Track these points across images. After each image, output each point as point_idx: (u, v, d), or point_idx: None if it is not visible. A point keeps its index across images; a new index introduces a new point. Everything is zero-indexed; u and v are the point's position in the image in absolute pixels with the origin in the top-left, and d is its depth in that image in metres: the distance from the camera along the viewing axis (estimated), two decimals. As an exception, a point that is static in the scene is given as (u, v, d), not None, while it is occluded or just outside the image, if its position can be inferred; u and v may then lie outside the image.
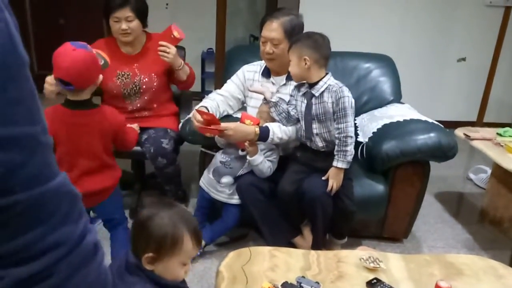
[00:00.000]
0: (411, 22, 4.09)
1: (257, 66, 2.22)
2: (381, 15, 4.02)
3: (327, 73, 1.88)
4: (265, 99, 1.96)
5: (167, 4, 4.51)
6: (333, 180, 1.86)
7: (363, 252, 1.47)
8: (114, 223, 1.85)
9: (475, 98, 4.38)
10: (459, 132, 2.64)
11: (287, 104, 1.96)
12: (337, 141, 1.85)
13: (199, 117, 1.91)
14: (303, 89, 1.90)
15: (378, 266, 1.37)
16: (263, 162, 1.95)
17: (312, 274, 1.34)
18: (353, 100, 1.85)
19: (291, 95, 1.97)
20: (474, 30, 4.17)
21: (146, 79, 2.28)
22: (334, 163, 1.86)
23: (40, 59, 4.52)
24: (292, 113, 1.94)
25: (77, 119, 1.65)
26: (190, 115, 2.20)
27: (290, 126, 1.98)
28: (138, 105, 2.31)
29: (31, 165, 0.42)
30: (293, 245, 2.09)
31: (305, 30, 3.60)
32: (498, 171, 2.54)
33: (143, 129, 2.24)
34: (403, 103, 2.63)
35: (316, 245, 2.00)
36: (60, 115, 1.64)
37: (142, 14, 2.23)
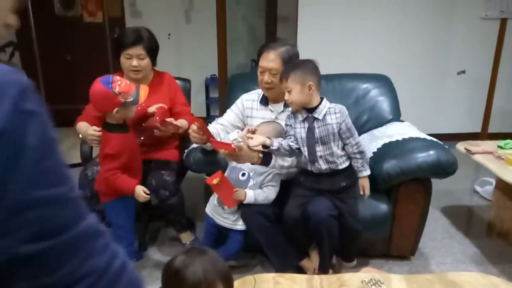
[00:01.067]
0: (409, 39, 4.16)
1: (255, 95, 2.28)
2: (379, 34, 4.09)
3: (321, 97, 1.94)
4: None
5: (169, 34, 4.64)
6: (367, 188, 2.01)
7: (365, 274, 1.49)
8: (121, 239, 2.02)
9: (478, 109, 4.40)
10: (461, 146, 2.67)
11: (285, 138, 1.99)
12: (358, 155, 1.96)
13: (193, 126, 2.00)
14: (301, 115, 1.94)
15: (380, 288, 1.40)
16: (257, 196, 2.01)
17: (315, 299, 1.37)
18: None
19: (286, 125, 2.01)
20: (471, 42, 4.23)
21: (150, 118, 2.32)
22: (363, 174, 2.00)
23: (47, 94, 4.65)
24: (293, 146, 1.95)
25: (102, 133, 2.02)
26: (194, 145, 2.27)
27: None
28: (140, 141, 2.34)
29: (61, 216, 0.54)
30: (301, 268, 2.12)
31: (306, 53, 3.69)
32: (502, 184, 2.55)
33: (144, 162, 2.29)
34: (402, 121, 2.67)
35: (323, 268, 2.03)
36: None
37: (153, 52, 2.30)
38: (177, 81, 2.67)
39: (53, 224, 0.53)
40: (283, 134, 2.04)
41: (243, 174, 2.09)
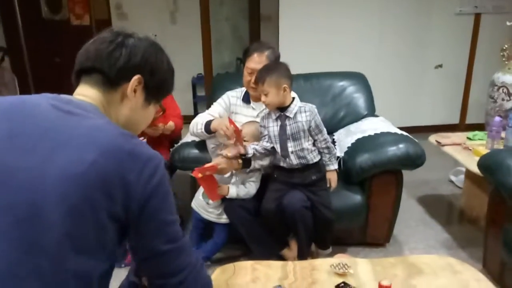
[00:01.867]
0: (388, 35, 4.32)
1: (239, 92, 2.42)
2: (359, 32, 4.24)
3: (293, 97, 2.09)
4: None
5: (155, 35, 4.72)
6: (334, 181, 2.18)
7: (335, 259, 1.64)
8: None
9: (455, 102, 4.60)
10: (432, 139, 2.83)
11: (261, 139, 2.13)
12: (326, 150, 2.12)
13: (229, 126, 2.05)
14: (274, 115, 2.08)
15: (346, 271, 1.55)
16: (239, 192, 2.15)
17: (288, 283, 1.52)
18: None
19: (261, 126, 2.14)
20: (448, 37, 4.39)
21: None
22: (331, 167, 2.17)
23: (38, 96, 4.76)
24: (268, 147, 2.10)
25: None
26: (184, 140, 2.43)
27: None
28: None
29: (178, 229, 0.95)
30: (282, 257, 2.28)
31: (288, 52, 3.81)
32: (471, 173, 2.71)
33: None
34: (377, 116, 2.82)
35: (302, 255, 2.18)
36: None
37: None
38: None
39: (176, 233, 0.94)
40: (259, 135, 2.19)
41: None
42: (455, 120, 4.64)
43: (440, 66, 4.47)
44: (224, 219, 2.24)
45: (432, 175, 3.49)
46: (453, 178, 3.42)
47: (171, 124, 2.53)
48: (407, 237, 2.67)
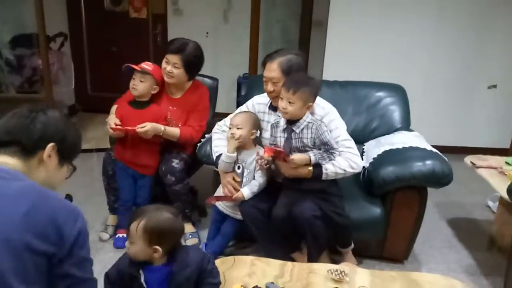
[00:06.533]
0: (441, 50, 4.15)
1: (266, 98, 2.35)
2: (410, 44, 4.11)
3: (310, 106, 2.06)
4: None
5: (207, 33, 4.88)
6: (296, 159, 2.00)
7: (333, 265, 1.64)
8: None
9: (507, 125, 4.35)
10: (467, 160, 2.72)
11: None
12: (325, 156, 2.03)
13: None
14: (282, 125, 2.08)
15: (342, 278, 1.55)
16: (252, 189, 2.19)
17: (282, 282, 1.54)
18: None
19: (271, 135, 2.15)
20: (508, 55, 4.15)
21: (173, 124, 2.51)
22: (310, 155, 2.01)
23: (93, 82, 5.06)
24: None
25: None
26: (208, 135, 2.49)
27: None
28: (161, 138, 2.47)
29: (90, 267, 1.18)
30: (293, 260, 2.29)
31: (333, 58, 3.71)
32: (504, 199, 2.58)
33: (163, 152, 2.54)
34: (411, 130, 2.75)
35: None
36: None
37: (189, 67, 2.44)
38: (206, 79, 2.90)
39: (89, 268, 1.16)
40: (259, 124, 2.27)
41: (239, 167, 2.26)
42: (505, 144, 4.39)
43: (494, 86, 4.25)
44: (239, 215, 2.29)
45: (469, 199, 3.35)
46: (490, 203, 3.25)
47: (172, 130, 2.45)
48: (428, 257, 2.59)
